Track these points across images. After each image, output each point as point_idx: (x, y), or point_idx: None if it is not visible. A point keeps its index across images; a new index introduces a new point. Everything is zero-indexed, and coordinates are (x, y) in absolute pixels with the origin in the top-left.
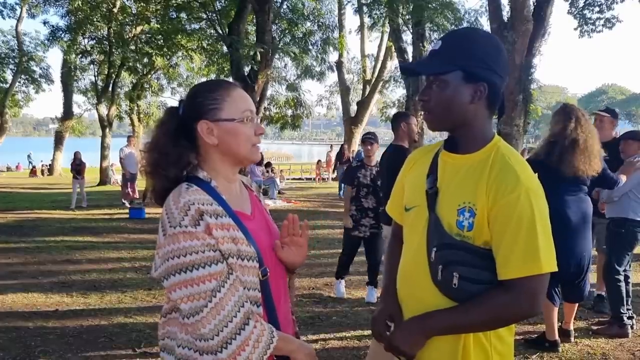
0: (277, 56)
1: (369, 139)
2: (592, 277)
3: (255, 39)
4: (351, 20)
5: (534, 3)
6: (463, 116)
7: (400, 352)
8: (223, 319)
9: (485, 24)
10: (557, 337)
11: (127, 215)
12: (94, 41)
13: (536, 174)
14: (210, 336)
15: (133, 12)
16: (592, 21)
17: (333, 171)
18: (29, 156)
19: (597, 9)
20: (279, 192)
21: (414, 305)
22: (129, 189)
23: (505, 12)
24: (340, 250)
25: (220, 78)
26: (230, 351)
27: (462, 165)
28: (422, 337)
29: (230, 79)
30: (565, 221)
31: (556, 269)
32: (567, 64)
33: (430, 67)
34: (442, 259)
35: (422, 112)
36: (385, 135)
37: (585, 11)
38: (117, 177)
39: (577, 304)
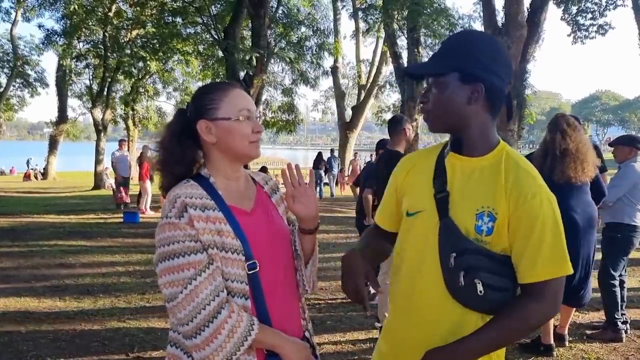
0: (272, 61)
1: None
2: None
3: (250, 44)
4: (346, 26)
5: (528, 9)
6: (462, 117)
7: None
8: (197, 305)
9: (480, 30)
10: (552, 342)
11: (122, 220)
12: (90, 45)
13: None
14: (186, 321)
15: (129, 16)
16: (585, 27)
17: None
18: (28, 162)
19: (590, 15)
20: None
21: (420, 315)
22: (121, 193)
23: (500, 18)
24: (336, 255)
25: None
26: (203, 337)
27: (473, 168)
28: None
29: None
30: (573, 225)
31: (572, 271)
32: (561, 70)
33: (427, 67)
34: (463, 265)
35: (423, 114)
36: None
37: (579, 17)
38: (111, 181)
39: (573, 309)
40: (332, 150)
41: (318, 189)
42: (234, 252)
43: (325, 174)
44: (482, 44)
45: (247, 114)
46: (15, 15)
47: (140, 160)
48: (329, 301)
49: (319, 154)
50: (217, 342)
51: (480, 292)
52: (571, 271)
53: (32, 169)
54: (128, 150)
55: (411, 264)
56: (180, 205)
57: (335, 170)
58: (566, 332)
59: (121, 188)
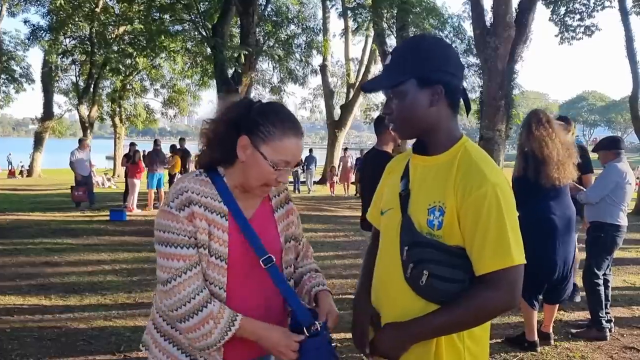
0: (261, 59)
1: None
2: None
3: (239, 41)
4: (335, 24)
5: (516, 10)
6: (426, 121)
7: (385, 356)
8: (183, 297)
9: (469, 29)
10: (536, 338)
11: (108, 218)
12: (76, 41)
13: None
14: (173, 308)
15: (116, 12)
16: (572, 28)
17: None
18: (8, 157)
19: (577, 16)
20: None
21: (388, 307)
22: (79, 192)
23: (488, 18)
24: (323, 254)
25: (280, 104)
26: (188, 325)
27: (431, 166)
28: (408, 342)
29: (218, 84)
30: (552, 227)
31: (525, 262)
32: (548, 71)
33: (383, 81)
34: (412, 257)
35: (390, 125)
36: (369, 139)
37: (566, 18)
38: (97, 179)
39: (557, 307)
40: (310, 150)
41: (295, 186)
42: (217, 257)
43: (302, 172)
44: (431, 47)
45: (284, 166)
46: (0, 10)
47: (129, 157)
48: None
49: None
50: (203, 330)
51: (422, 282)
52: (523, 261)
53: (15, 166)
54: (114, 147)
55: (382, 259)
56: (184, 199)
57: (312, 168)
58: (551, 330)
59: (79, 187)
